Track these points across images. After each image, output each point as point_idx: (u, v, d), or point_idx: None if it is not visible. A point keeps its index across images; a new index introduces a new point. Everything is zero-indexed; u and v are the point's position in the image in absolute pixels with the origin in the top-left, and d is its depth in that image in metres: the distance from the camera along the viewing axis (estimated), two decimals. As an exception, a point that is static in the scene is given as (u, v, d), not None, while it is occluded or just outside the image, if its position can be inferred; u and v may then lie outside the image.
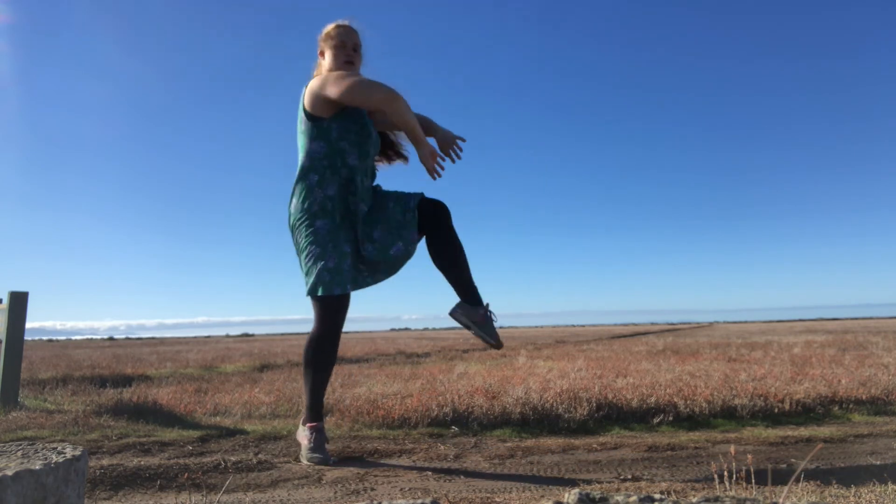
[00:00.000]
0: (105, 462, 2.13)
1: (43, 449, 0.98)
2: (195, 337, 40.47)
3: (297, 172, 2.30)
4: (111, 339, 30.93)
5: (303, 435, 2.27)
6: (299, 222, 2.27)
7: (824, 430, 2.72)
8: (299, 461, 2.21)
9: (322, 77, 2.23)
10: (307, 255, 2.24)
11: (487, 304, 2.34)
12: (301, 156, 2.29)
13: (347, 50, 2.33)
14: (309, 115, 2.25)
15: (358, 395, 3.53)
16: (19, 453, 0.95)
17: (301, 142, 2.30)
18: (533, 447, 2.44)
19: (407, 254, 2.32)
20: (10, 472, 0.79)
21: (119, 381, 5.08)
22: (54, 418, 3.00)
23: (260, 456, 2.29)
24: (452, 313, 2.36)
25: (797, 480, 1.72)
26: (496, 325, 2.35)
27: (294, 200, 2.30)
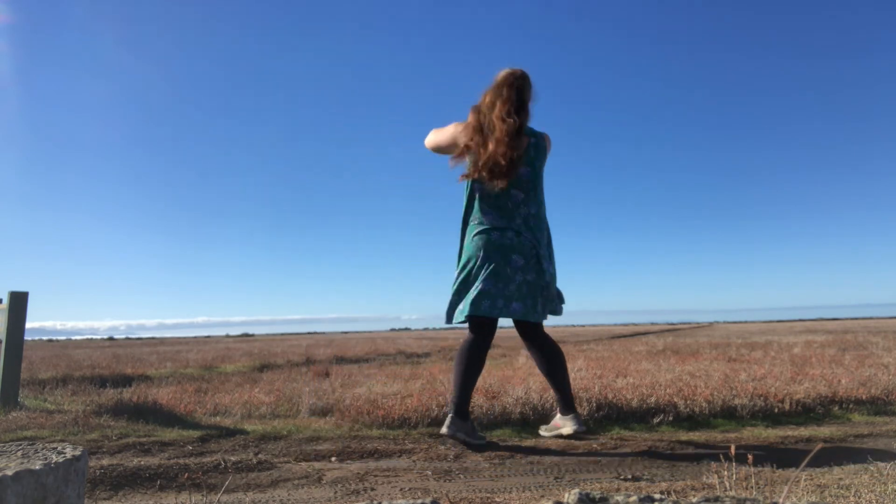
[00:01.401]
0: (105, 462, 2.13)
1: (43, 449, 0.98)
2: (195, 337, 40.46)
3: (542, 218, 2.61)
4: (111, 339, 30.93)
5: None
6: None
7: (824, 430, 2.72)
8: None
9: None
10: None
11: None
12: (541, 200, 2.62)
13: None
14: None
15: (358, 395, 3.53)
16: (19, 453, 0.95)
17: (540, 187, 2.61)
18: (533, 447, 2.44)
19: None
20: (10, 472, 0.79)
21: (119, 381, 5.08)
22: (54, 418, 3.00)
23: (260, 456, 2.29)
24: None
25: (797, 480, 1.72)
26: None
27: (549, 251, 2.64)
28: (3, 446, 1.01)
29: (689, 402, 3.10)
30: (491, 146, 2.43)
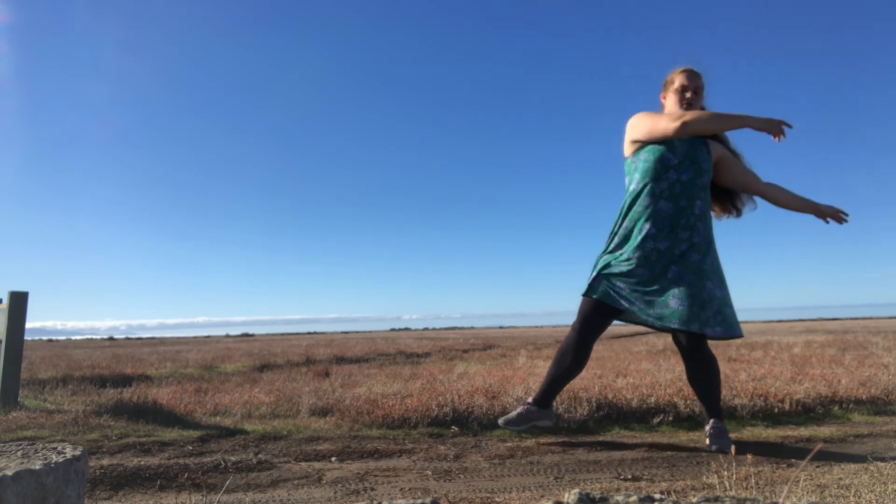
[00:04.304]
0: (105, 462, 2.13)
1: (43, 449, 0.98)
2: (195, 337, 40.45)
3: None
4: (111, 339, 30.90)
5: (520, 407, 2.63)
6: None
7: (824, 430, 2.72)
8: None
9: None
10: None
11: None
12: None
13: (687, 93, 2.52)
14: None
15: (358, 395, 3.53)
16: (19, 453, 0.95)
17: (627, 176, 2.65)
18: (533, 447, 2.44)
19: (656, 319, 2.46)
20: (10, 472, 0.79)
21: (119, 381, 5.08)
22: (54, 418, 3.00)
23: (260, 456, 2.29)
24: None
25: (797, 480, 1.72)
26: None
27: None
28: (3, 446, 1.01)
29: (689, 402, 3.10)
30: None
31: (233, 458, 2.21)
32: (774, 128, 2.37)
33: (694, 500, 0.76)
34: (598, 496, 0.78)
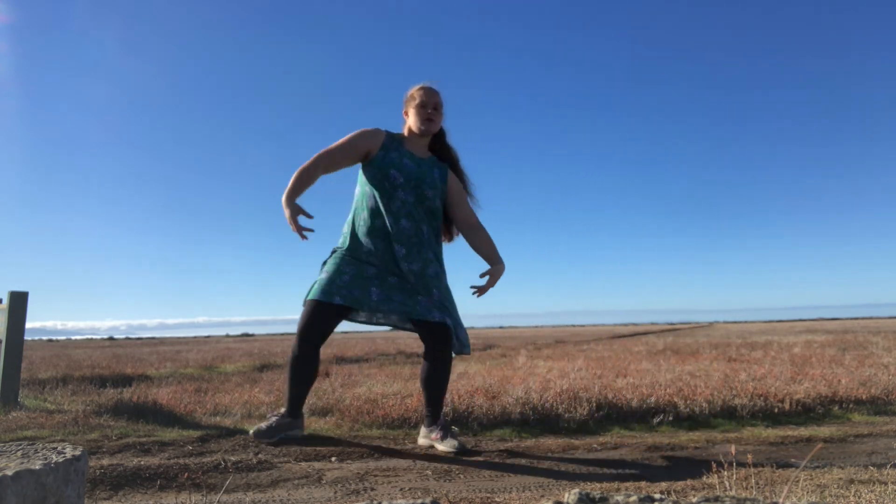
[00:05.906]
0: (105, 462, 2.13)
1: (43, 449, 0.98)
2: (195, 337, 40.43)
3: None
4: (111, 339, 30.86)
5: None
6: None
7: (824, 430, 2.72)
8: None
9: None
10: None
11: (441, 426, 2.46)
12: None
13: (428, 109, 2.52)
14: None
15: (358, 395, 3.53)
16: (19, 453, 0.95)
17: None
18: (533, 447, 2.44)
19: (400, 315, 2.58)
20: (10, 472, 0.79)
21: (119, 381, 5.07)
22: (54, 418, 3.00)
23: (260, 456, 2.29)
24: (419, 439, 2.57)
25: (797, 480, 1.72)
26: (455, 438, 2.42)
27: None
28: (3, 446, 1.01)
29: (689, 402, 3.10)
30: None
31: (233, 458, 2.21)
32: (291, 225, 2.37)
33: (694, 500, 0.76)
34: (598, 496, 0.78)
